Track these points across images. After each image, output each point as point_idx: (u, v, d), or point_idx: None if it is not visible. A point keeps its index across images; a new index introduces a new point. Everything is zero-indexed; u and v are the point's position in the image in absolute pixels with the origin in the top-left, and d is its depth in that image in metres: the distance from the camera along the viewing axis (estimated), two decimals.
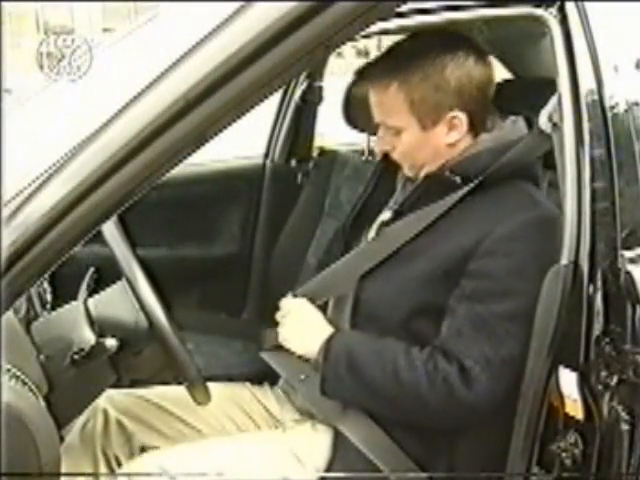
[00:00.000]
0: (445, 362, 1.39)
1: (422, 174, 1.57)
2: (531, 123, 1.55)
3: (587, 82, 1.32)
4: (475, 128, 1.52)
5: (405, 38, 1.56)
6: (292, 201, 2.70)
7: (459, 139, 1.51)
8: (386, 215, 1.61)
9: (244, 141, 3.06)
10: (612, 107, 1.32)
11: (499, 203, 1.46)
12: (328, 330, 1.52)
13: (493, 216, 1.43)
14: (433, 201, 1.50)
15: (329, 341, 1.49)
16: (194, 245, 2.66)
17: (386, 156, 1.62)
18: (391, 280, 1.49)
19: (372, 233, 1.63)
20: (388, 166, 1.69)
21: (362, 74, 1.56)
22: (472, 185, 1.47)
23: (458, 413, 1.40)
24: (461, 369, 1.37)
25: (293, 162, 2.83)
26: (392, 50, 1.54)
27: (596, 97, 1.32)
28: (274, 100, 2.80)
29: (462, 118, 1.49)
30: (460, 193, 1.47)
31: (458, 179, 1.49)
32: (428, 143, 1.51)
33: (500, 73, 2.50)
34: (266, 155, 2.87)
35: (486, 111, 1.54)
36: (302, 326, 1.56)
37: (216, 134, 0.89)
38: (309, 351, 1.52)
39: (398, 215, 1.57)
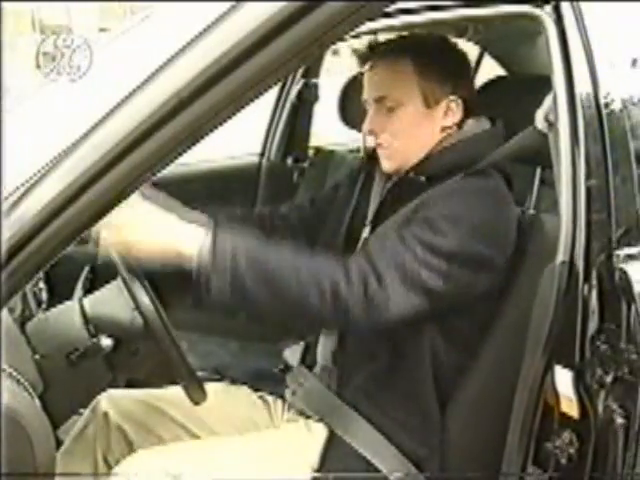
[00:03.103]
0: (364, 261, 1.37)
1: (405, 165, 1.56)
2: (494, 121, 1.60)
3: (582, 81, 1.33)
4: (462, 119, 1.57)
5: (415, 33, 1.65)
6: (288, 200, 2.69)
7: (451, 125, 1.56)
8: (366, 232, 1.61)
9: (240, 140, 3.06)
10: (607, 105, 1.32)
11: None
12: (189, 225, 1.33)
13: (442, 185, 1.49)
14: (404, 205, 1.51)
15: (215, 234, 1.30)
16: None
17: (370, 158, 1.62)
18: None
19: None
20: (370, 172, 1.68)
21: (374, 48, 1.58)
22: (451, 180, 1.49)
23: (373, 309, 1.35)
24: (375, 267, 1.35)
25: (289, 161, 2.83)
26: (405, 34, 1.63)
27: (591, 95, 1.32)
28: (270, 98, 2.80)
29: (460, 103, 1.55)
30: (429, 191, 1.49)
31: (423, 179, 1.53)
32: (425, 122, 1.54)
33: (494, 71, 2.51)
34: (262, 154, 2.87)
35: (471, 107, 1.58)
36: (153, 219, 1.31)
37: (210, 132, 0.89)
38: (187, 245, 1.29)
39: (375, 227, 1.58)
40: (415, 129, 1.54)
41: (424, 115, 1.53)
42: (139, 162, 0.88)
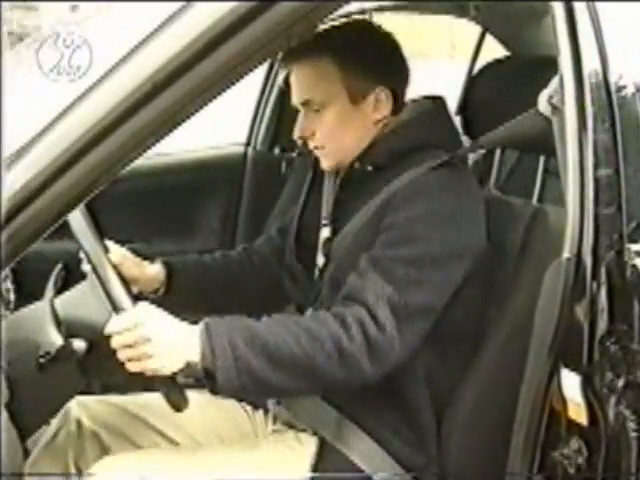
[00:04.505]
0: (354, 305, 1.40)
1: (345, 161, 1.59)
2: (442, 102, 1.65)
3: (591, 62, 1.31)
4: (396, 107, 1.60)
5: (335, 25, 1.66)
6: (276, 192, 2.69)
7: (384, 116, 1.58)
8: (326, 232, 1.64)
9: (224, 128, 3.06)
10: (618, 89, 1.31)
11: (408, 170, 1.53)
12: (191, 326, 1.37)
13: (400, 181, 1.51)
14: (360, 199, 1.55)
15: (207, 328, 1.35)
16: (171, 240, 2.65)
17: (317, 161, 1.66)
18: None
19: (320, 254, 1.64)
20: (317, 170, 1.72)
21: (295, 49, 1.55)
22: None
23: (380, 355, 1.39)
24: (369, 311, 1.38)
25: (276, 150, 2.82)
26: (323, 30, 1.62)
27: (601, 78, 1.30)
28: (256, 83, 2.79)
29: (389, 93, 1.57)
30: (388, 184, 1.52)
31: (370, 168, 1.57)
32: (356, 119, 1.57)
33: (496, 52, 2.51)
34: (248, 143, 2.86)
35: (404, 92, 1.62)
36: (167, 330, 1.34)
37: (187, 118, 0.89)
38: (191, 354, 1.34)
39: (335, 227, 1.61)
40: (345, 127, 1.57)
41: (352, 112, 1.56)
42: (112, 151, 0.88)
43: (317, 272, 1.63)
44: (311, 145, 1.61)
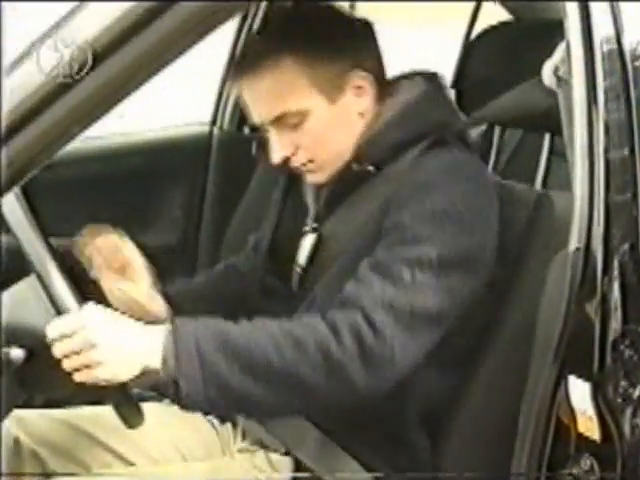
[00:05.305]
0: (348, 310, 1.37)
1: (338, 166, 1.55)
2: (434, 78, 1.60)
3: (603, 26, 1.30)
4: (380, 91, 1.56)
5: (282, 13, 1.66)
6: (245, 177, 2.68)
7: (369, 105, 1.55)
8: (310, 239, 1.60)
9: (187, 105, 3.04)
10: (635, 57, 1.30)
11: (409, 163, 1.51)
12: (150, 326, 1.37)
13: (403, 174, 1.49)
14: (351, 199, 1.55)
15: (174, 330, 1.33)
16: (125, 232, 2.62)
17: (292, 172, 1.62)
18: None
19: (303, 259, 1.61)
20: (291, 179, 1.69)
21: (241, 60, 1.55)
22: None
23: (376, 365, 1.36)
24: (365, 316, 1.35)
25: (246, 130, 2.81)
26: (273, 25, 1.61)
27: (614, 46, 1.30)
28: (223, 54, 2.77)
29: (367, 77, 1.53)
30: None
31: (372, 168, 1.53)
32: (340, 119, 1.53)
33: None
34: (213, 122, 2.85)
35: (384, 71, 1.59)
36: (117, 333, 1.32)
37: (129, 93, 0.90)
38: (150, 358, 1.33)
39: (322, 234, 1.58)
40: (332, 131, 1.53)
41: (334, 112, 1.52)
42: (44, 130, 0.89)
43: (296, 282, 1.60)
44: (296, 163, 1.55)
